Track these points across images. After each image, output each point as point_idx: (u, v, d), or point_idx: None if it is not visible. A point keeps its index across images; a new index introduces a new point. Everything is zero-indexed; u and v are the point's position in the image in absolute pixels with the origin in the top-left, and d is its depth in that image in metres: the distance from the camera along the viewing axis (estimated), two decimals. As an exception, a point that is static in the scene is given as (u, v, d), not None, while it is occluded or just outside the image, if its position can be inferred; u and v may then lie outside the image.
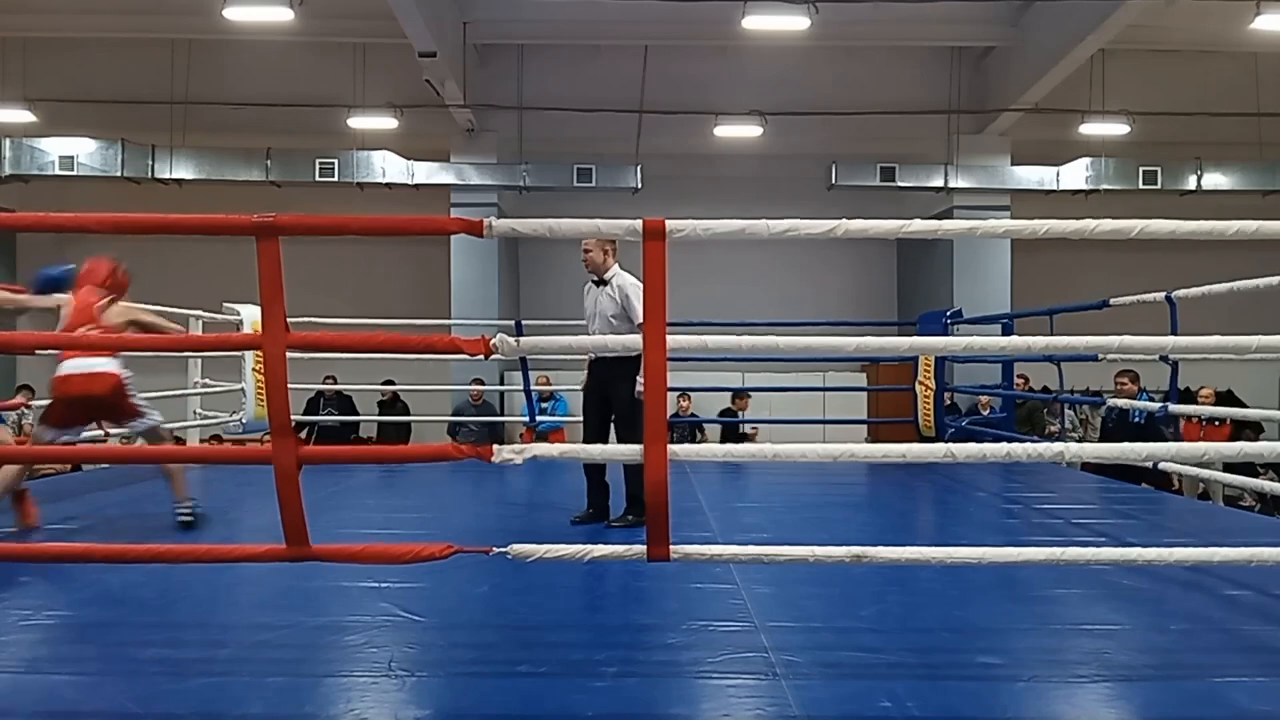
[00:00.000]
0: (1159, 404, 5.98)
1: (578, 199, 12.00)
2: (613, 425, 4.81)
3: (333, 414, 10.38)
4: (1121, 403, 6.40)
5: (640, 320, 4.66)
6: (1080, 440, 10.03)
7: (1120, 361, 6.78)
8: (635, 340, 2.62)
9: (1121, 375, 6.99)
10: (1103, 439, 7.90)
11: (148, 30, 10.87)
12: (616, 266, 4.74)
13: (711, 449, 2.80)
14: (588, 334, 4.73)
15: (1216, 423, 8.62)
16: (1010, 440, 6.50)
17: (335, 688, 2.54)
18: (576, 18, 10.87)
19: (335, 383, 10.48)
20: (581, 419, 4.94)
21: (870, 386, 11.83)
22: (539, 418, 9.09)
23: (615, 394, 4.65)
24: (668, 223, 2.50)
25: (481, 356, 2.56)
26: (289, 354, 2.51)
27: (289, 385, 2.54)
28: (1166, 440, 6.07)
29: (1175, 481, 7.25)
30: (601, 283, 4.75)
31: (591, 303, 4.79)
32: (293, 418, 2.59)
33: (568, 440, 9.29)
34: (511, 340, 2.64)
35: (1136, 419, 6.64)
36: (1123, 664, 2.73)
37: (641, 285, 4.79)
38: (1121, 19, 8.83)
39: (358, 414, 10.70)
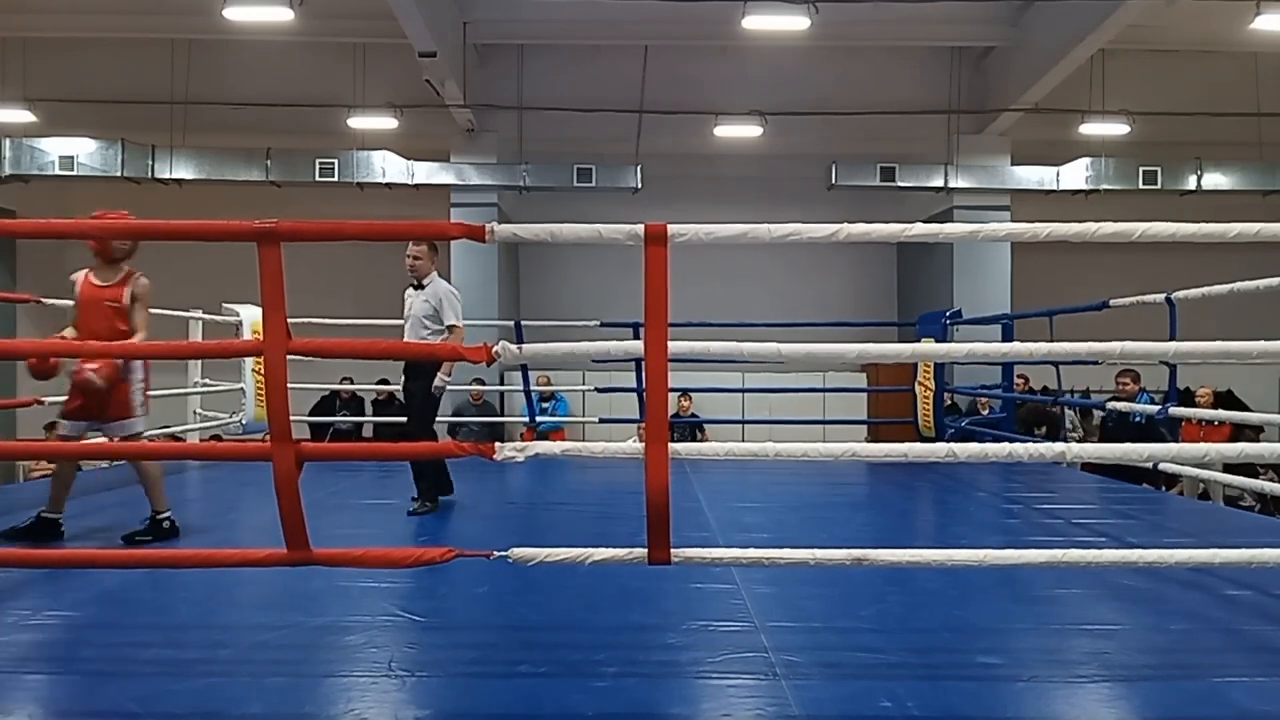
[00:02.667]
0: (1159, 406, 5.98)
1: (578, 199, 12.00)
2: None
3: (346, 415, 10.38)
4: (1121, 405, 6.40)
5: (452, 323, 4.96)
6: (1081, 440, 10.04)
7: (1120, 363, 6.79)
8: (636, 346, 2.61)
9: (1123, 375, 6.99)
10: (1101, 440, 7.91)
11: (148, 30, 10.87)
12: (435, 274, 5.11)
13: (713, 448, 2.80)
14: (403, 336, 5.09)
15: (1216, 422, 8.63)
16: (1011, 440, 6.51)
17: (335, 688, 2.54)
18: (576, 18, 10.87)
19: (352, 383, 10.47)
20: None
21: (870, 387, 11.84)
22: (540, 418, 9.09)
23: (409, 391, 5.11)
24: (670, 227, 2.50)
25: (484, 363, 2.56)
26: (296, 357, 2.51)
27: (303, 386, 2.54)
28: (1165, 441, 6.07)
29: (1172, 481, 7.26)
30: (420, 287, 5.07)
31: (408, 306, 5.10)
32: (306, 420, 2.59)
33: (568, 440, 9.30)
34: (514, 347, 2.64)
35: (1137, 419, 6.64)
36: (1123, 664, 2.73)
37: (456, 292, 5.02)
38: (1121, 19, 8.83)
39: (365, 415, 10.71)
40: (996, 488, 6.31)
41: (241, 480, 6.22)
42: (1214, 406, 9.02)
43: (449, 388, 10.88)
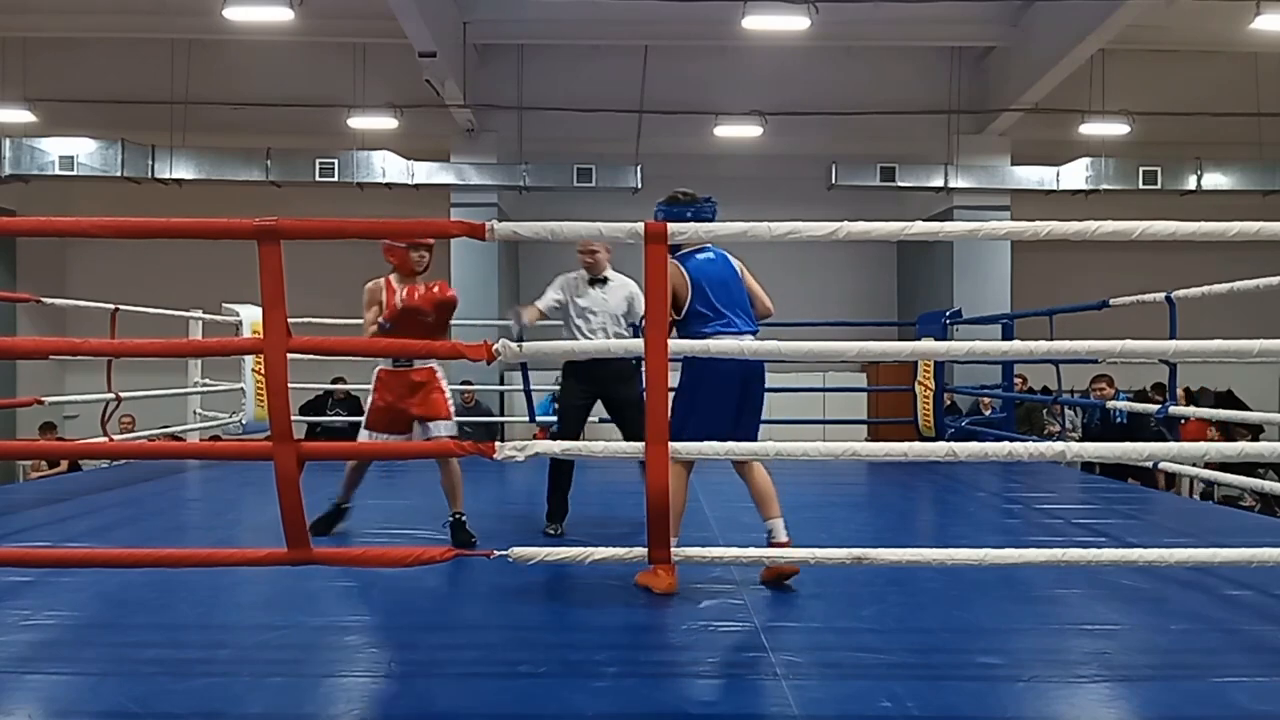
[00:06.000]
0: (1159, 405, 5.98)
1: (578, 199, 12.00)
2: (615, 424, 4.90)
3: (339, 414, 10.37)
4: (1121, 405, 6.41)
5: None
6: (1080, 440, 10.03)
7: (1121, 361, 6.80)
8: (636, 345, 2.62)
9: (1098, 381, 7.01)
10: (1085, 440, 7.93)
11: (148, 30, 10.86)
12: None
13: (713, 447, 2.80)
14: (578, 334, 4.66)
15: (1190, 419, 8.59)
16: (1011, 440, 6.51)
17: (335, 688, 2.54)
18: (576, 18, 10.87)
19: (345, 383, 10.47)
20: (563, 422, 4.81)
21: (870, 387, 11.84)
22: (548, 418, 9.06)
23: (623, 394, 4.70)
24: (670, 225, 2.50)
25: (485, 362, 2.56)
26: (291, 356, 2.51)
27: (296, 386, 2.54)
28: (1152, 440, 6.09)
29: (1163, 479, 7.26)
30: (600, 281, 4.67)
31: (591, 302, 4.65)
32: (301, 419, 2.59)
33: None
34: (514, 345, 2.64)
35: (1119, 419, 6.67)
36: (1123, 664, 2.73)
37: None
38: (1121, 19, 8.83)
39: (363, 415, 10.69)
40: (996, 488, 6.30)
41: (241, 480, 6.22)
42: (1190, 405, 9.03)
43: (456, 387, 10.87)
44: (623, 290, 4.70)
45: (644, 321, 4.66)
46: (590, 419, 4.92)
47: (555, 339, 3.11)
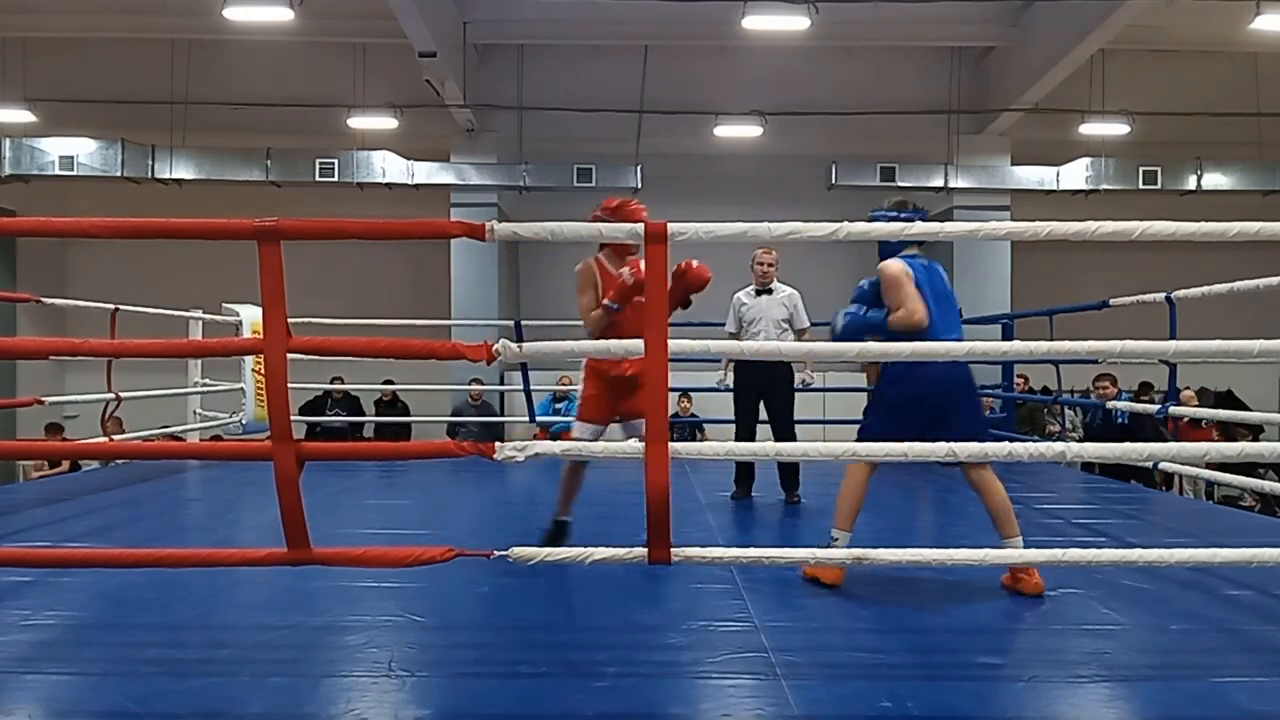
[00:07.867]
0: (1158, 405, 5.98)
1: (578, 199, 11.99)
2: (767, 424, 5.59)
3: (339, 414, 10.38)
4: (1121, 405, 6.41)
5: (807, 325, 5.39)
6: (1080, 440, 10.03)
7: (1121, 361, 6.81)
8: (636, 345, 2.61)
9: (1101, 380, 7.01)
10: (1087, 440, 7.93)
11: (148, 30, 10.87)
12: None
13: (713, 448, 2.80)
14: (745, 338, 5.34)
15: (1204, 423, 8.60)
16: (1011, 440, 6.50)
17: (335, 688, 2.54)
18: (576, 18, 10.88)
19: (343, 383, 10.49)
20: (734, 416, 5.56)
21: (870, 387, 11.83)
22: (553, 418, 9.08)
23: (779, 388, 5.41)
24: (670, 226, 2.50)
25: (485, 362, 2.56)
26: (290, 356, 2.51)
27: (295, 386, 2.53)
28: (1151, 440, 6.09)
29: (1161, 479, 7.26)
30: (767, 291, 5.42)
31: (757, 310, 5.42)
32: (300, 419, 2.58)
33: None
34: (514, 345, 2.64)
35: (1121, 420, 6.67)
36: (1123, 664, 2.73)
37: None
38: (1121, 19, 8.83)
39: (363, 415, 10.73)
40: (996, 488, 6.29)
41: (241, 480, 6.22)
42: (1201, 407, 9.02)
43: (456, 387, 10.88)
44: (785, 299, 5.39)
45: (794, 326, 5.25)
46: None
47: (554, 339, 3.10)
